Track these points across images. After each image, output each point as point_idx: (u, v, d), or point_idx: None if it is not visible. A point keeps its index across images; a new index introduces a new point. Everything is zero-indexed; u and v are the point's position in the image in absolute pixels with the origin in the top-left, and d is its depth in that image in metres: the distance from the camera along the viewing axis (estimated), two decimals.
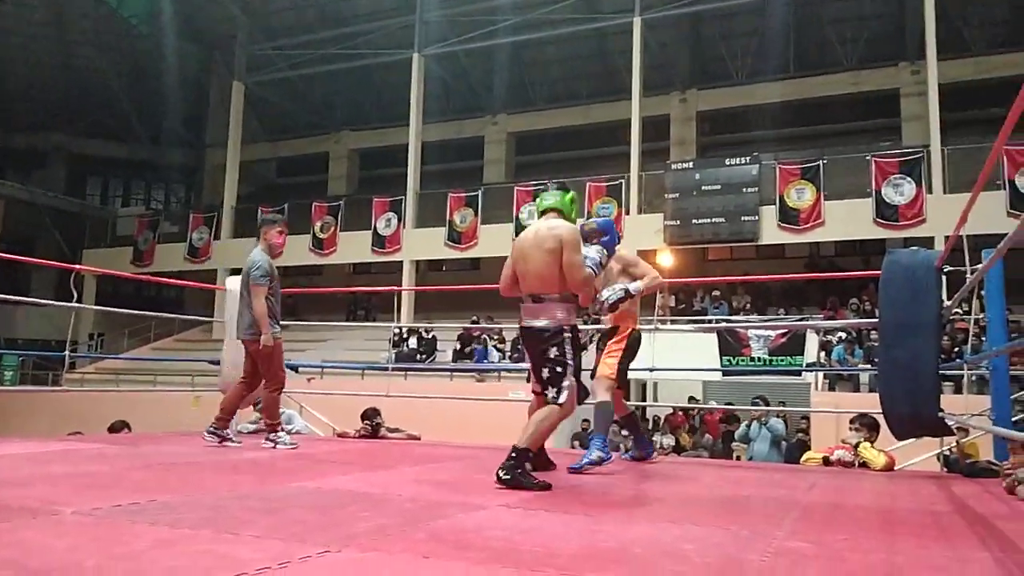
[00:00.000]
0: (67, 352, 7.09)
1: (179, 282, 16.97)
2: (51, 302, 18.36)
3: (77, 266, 6.30)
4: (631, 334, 4.56)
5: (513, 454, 3.43)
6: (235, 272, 7.27)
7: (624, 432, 6.62)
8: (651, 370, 6.95)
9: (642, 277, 4.45)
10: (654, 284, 4.47)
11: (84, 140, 27.59)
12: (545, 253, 3.66)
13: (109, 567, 1.80)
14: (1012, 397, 5.17)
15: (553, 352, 3.64)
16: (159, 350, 20.90)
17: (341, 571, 1.86)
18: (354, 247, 20.47)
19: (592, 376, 4.53)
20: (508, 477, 3.36)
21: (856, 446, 4.92)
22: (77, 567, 1.78)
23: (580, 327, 3.89)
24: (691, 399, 15.18)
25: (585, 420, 13.18)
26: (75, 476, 3.41)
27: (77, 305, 6.19)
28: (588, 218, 17.92)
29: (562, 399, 3.61)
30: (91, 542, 2.05)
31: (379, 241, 20.00)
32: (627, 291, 4.35)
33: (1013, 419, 4.88)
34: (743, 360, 12.41)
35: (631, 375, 4.52)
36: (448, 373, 15.67)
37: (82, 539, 2.09)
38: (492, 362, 15.80)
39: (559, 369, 3.63)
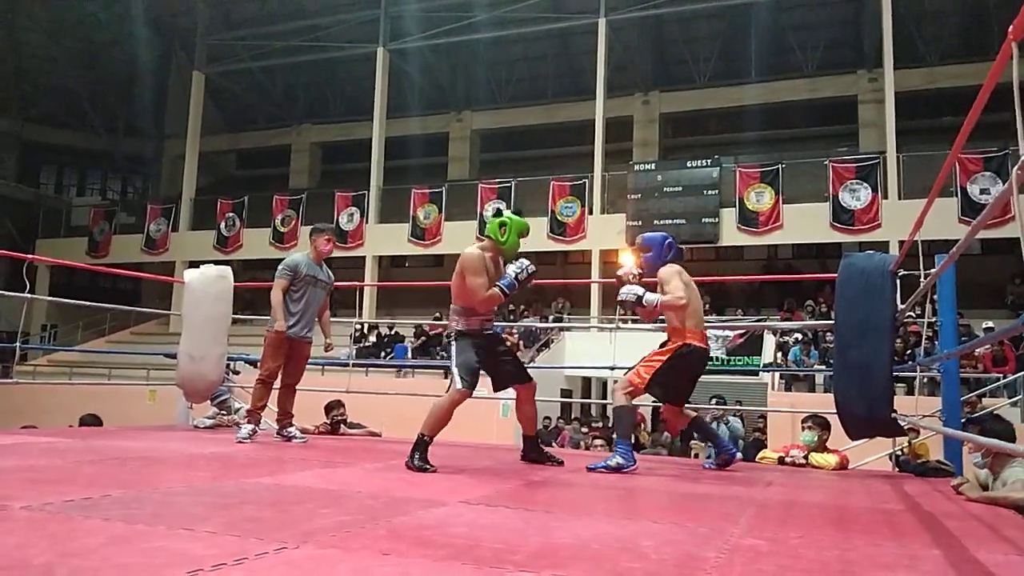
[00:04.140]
0: (18, 344, 6.88)
1: (136, 274, 16.60)
2: (2, 292, 17.85)
3: (30, 256, 6.14)
4: (678, 349, 4.37)
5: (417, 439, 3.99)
6: (193, 264, 7.15)
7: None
8: (612, 368, 7.00)
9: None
10: (667, 301, 4.33)
11: (38, 127, 26.86)
12: (455, 274, 4.26)
13: (59, 564, 1.75)
14: (962, 399, 5.30)
15: (445, 354, 4.44)
16: (114, 343, 20.49)
17: (299, 568, 1.84)
18: None
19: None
20: (407, 461, 3.90)
21: (806, 456, 4.99)
22: (25, 565, 1.73)
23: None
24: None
25: (547, 418, 13.21)
26: (25, 470, 3.33)
27: (29, 296, 6.03)
28: (551, 216, 18.05)
29: (450, 390, 4.13)
30: (41, 538, 2.00)
31: (341, 236, 19.85)
32: (639, 297, 4.40)
33: (962, 420, 5.00)
34: None
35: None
36: (409, 369, 15.60)
37: (32, 535, 2.04)
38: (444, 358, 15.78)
39: (449, 368, 4.23)
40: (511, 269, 4.22)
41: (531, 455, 4.47)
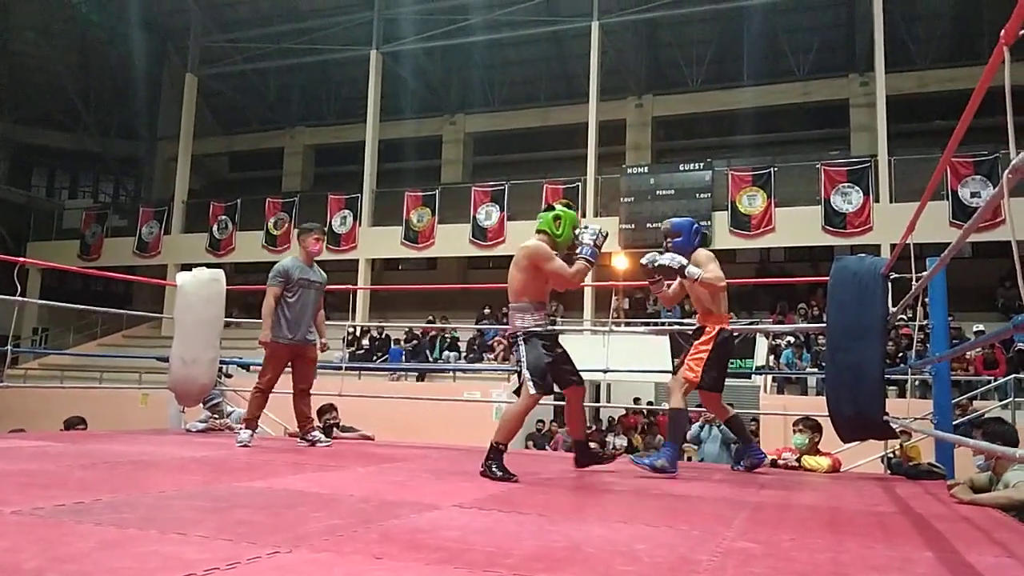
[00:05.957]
0: (9, 347, 6.85)
1: (128, 277, 16.62)
2: None
3: (22, 259, 6.10)
4: (718, 335, 4.45)
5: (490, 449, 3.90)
6: (185, 267, 7.13)
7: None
8: (605, 371, 7.00)
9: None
10: (709, 279, 4.32)
11: (29, 129, 26.73)
12: (517, 270, 4.10)
13: (50, 569, 1.74)
14: (953, 401, 5.32)
15: (513, 357, 4.20)
16: (106, 346, 20.40)
17: (291, 572, 1.84)
18: None
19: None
20: (482, 469, 3.82)
21: (799, 459, 5.01)
22: (16, 569, 1.72)
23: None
24: (649, 403, 15.31)
25: (540, 421, 13.21)
26: (16, 474, 3.31)
27: (21, 299, 6.00)
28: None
29: (522, 394, 4.01)
30: (32, 543, 1.99)
31: (334, 239, 19.80)
32: (682, 267, 4.30)
33: (954, 423, 5.02)
34: None
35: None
36: (401, 373, 15.57)
37: (22, 540, 2.02)
38: (448, 362, 15.77)
39: (518, 370, 4.09)
40: (586, 237, 4.08)
41: (584, 459, 4.42)
